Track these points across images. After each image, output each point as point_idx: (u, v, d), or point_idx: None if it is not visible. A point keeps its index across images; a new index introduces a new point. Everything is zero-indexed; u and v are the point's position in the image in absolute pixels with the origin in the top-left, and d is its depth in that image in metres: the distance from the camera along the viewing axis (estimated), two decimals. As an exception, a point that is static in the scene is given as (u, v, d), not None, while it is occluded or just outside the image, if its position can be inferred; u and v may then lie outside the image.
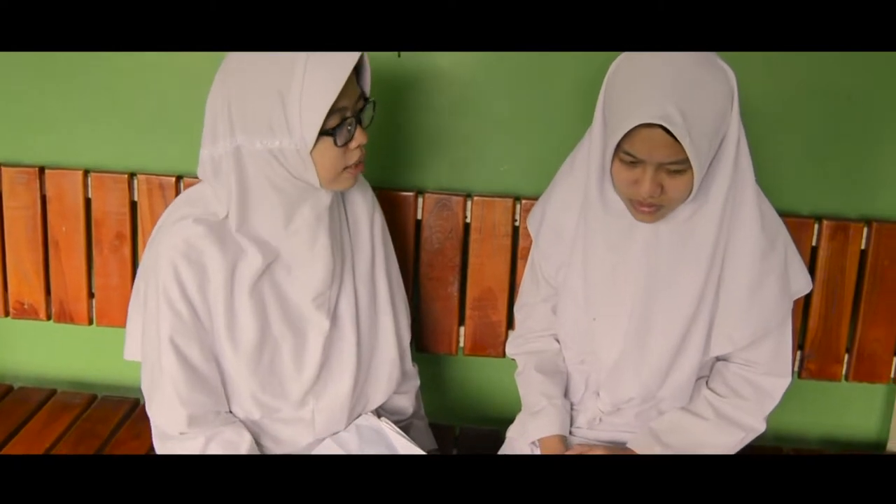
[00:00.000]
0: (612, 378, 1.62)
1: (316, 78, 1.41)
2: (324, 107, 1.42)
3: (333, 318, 1.61)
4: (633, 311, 1.56)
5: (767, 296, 1.54)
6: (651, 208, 1.46)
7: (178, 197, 1.61)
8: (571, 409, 1.71)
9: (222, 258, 1.50)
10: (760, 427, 1.63)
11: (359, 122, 1.50)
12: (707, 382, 1.66)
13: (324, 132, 1.44)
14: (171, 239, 1.50)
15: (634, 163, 1.42)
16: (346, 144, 1.48)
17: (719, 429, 1.62)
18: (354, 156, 1.51)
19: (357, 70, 1.50)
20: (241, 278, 1.52)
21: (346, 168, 1.51)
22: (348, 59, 1.43)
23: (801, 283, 1.61)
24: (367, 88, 1.54)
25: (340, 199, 1.65)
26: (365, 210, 1.68)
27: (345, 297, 1.63)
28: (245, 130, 1.45)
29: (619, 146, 1.41)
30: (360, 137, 1.50)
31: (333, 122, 1.45)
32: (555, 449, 1.65)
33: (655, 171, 1.41)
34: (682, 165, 1.39)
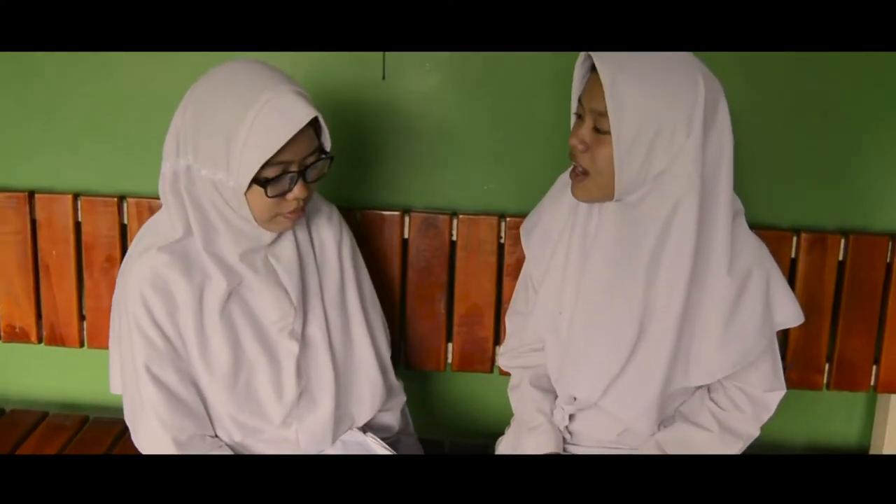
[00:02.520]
0: (561, 371, 1.66)
1: (261, 129, 1.43)
2: (260, 158, 1.43)
3: (304, 341, 1.64)
4: (578, 306, 1.60)
5: (743, 332, 1.56)
6: (580, 175, 1.53)
7: (141, 229, 1.64)
8: None
9: (188, 285, 1.53)
10: (756, 434, 1.68)
11: (303, 176, 1.51)
12: (709, 395, 1.69)
13: (257, 180, 1.46)
14: (138, 270, 1.53)
15: (581, 117, 1.52)
16: (280, 196, 1.50)
17: (722, 440, 1.65)
18: (290, 206, 1.52)
19: (318, 126, 1.52)
20: (209, 303, 1.55)
21: (280, 214, 1.53)
22: (296, 120, 1.44)
23: (788, 315, 1.61)
24: (328, 144, 1.55)
25: (306, 226, 1.67)
26: (331, 233, 1.70)
27: (314, 320, 1.65)
28: (196, 156, 1.49)
29: (579, 101, 1.53)
30: (298, 191, 1.50)
31: (272, 172, 1.47)
32: None
33: (589, 123, 1.49)
34: (607, 123, 1.45)
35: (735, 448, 1.66)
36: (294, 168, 1.49)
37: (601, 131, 1.47)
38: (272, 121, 1.43)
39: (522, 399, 1.76)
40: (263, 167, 1.44)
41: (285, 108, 1.44)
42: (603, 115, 1.45)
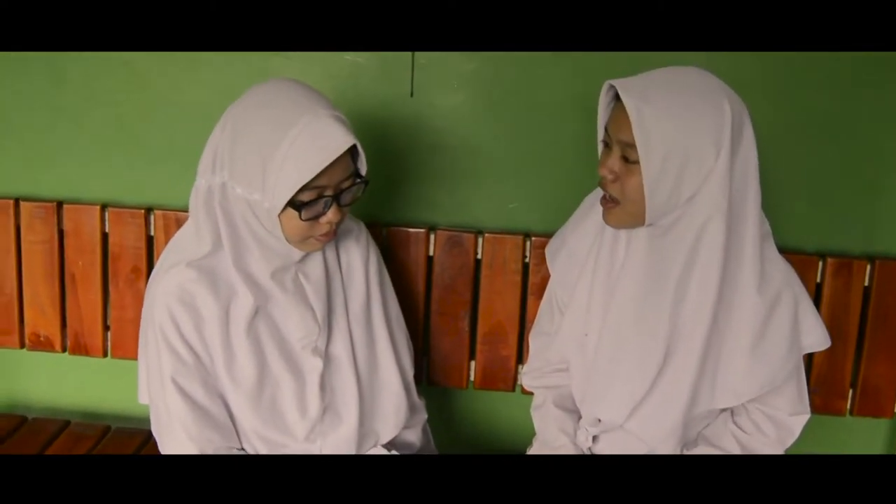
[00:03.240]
0: (586, 394, 1.66)
1: (299, 154, 1.43)
2: (297, 182, 1.44)
3: (329, 358, 1.64)
4: (605, 330, 1.61)
5: (771, 354, 1.56)
6: (610, 203, 1.53)
7: (168, 244, 1.65)
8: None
9: (215, 301, 1.54)
10: None
11: (337, 200, 1.51)
12: (733, 418, 1.68)
13: (292, 204, 1.47)
14: (165, 285, 1.54)
15: (609, 146, 1.52)
16: (313, 219, 1.50)
17: None
18: (323, 228, 1.53)
19: (354, 150, 1.52)
20: (236, 319, 1.56)
21: (312, 236, 1.54)
22: (334, 147, 1.44)
23: (815, 339, 1.62)
24: (363, 169, 1.56)
25: (334, 243, 1.67)
26: (359, 252, 1.71)
27: (339, 337, 1.66)
28: (232, 174, 1.50)
29: (605, 128, 1.53)
30: (331, 216, 1.51)
31: (307, 196, 1.47)
32: None
33: (617, 152, 1.49)
34: (635, 154, 1.45)
35: None
36: (329, 192, 1.49)
37: (630, 161, 1.48)
38: (310, 146, 1.44)
39: (545, 419, 1.76)
40: (299, 191, 1.45)
41: (324, 133, 1.44)
42: (630, 145, 1.45)
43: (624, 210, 1.52)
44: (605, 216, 1.57)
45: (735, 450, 1.65)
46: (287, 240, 1.53)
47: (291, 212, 1.48)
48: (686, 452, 1.67)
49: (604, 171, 1.52)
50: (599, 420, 1.65)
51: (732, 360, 1.56)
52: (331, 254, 1.66)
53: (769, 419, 1.65)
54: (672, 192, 1.47)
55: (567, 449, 1.69)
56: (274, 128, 1.44)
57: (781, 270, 1.59)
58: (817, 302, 1.97)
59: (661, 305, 1.54)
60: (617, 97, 1.49)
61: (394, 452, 1.72)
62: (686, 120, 1.44)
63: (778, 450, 1.66)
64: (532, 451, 1.79)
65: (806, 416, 1.66)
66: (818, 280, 1.98)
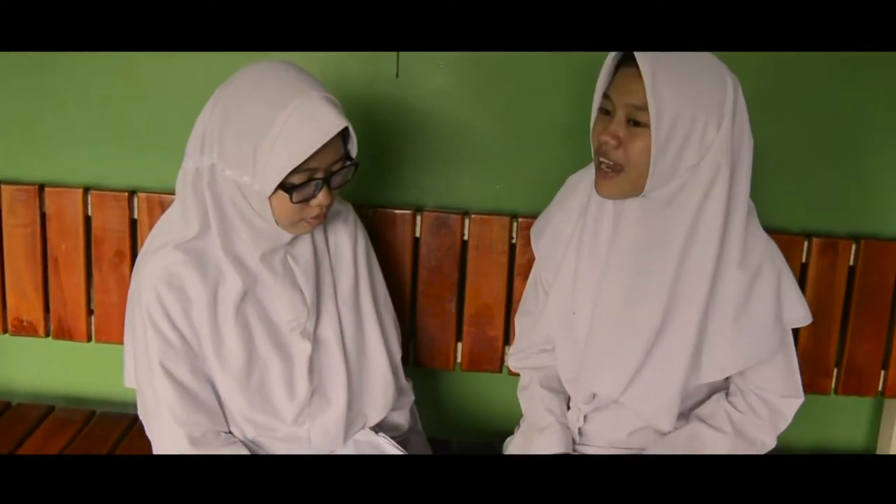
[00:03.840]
0: (578, 370, 1.66)
1: (290, 136, 1.42)
2: (288, 165, 1.43)
3: (317, 340, 1.64)
4: (599, 303, 1.61)
5: (755, 326, 1.57)
6: (610, 170, 1.52)
7: (154, 226, 1.64)
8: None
9: (202, 284, 1.53)
10: (772, 444, 1.67)
11: (328, 183, 1.51)
12: (727, 397, 1.69)
13: (283, 186, 1.46)
14: (152, 267, 1.53)
15: (609, 113, 1.52)
16: (304, 202, 1.50)
17: (735, 444, 1.65)
18: (313, 211, 1.52)
19: (345, 132, 1.51)
20: (224, 302, 1.55)
21: (302, 219, 1.53)
22: (326, 129, 1.44)
23: (798, 315, 1.62)
24: (354, 151, 1.55)
25: (322, 225, 1.66)
26: (346, 234, 1.70)
27: (327, 319, 1.65)
28: (221, 156, 1.49)
29: (605, 96, 1.52)
30: (322, 198, 1.50)
31: (298, 179, 1.46)
32: None
33: (623, 117, 1.49)
34: (644, 116, 1.46)
35: (748, 454, 1.66)
36: (320, 175, 1.48)
37: (639, 124, 1.47)
38: (301, 128, 1.43)
39: (532, 400, 1.76)
40: (290, 173, 1.44)
41: (315, 115, 1.43)
42: (640, 108, 1.46)
43: (625, 177, 1.51)
44: (600, 186, 1.55)
45: (726, 428, 1.65)
46: (277, 222, 1.52)
47: (282, 194, 1.47)
48: (678, 428, 1.67)
49: (605, 136, 1.50)
50: (594, 396, 1.65)
51: (717, 335, 1.57)
52: (319, 236, 1.65)
53: (764, 402, 1.65)
54: (675, 158, 1.48)
55: (553, 429, 1.69)
56: (264, 110, 1.43)
57: (763, 245, 1.59)
58: (802, 281, 1.98)
59: (660, 277, 1.54)
60: (621, 63, 1.50)
61: (381, 434, 1.72)
62: (695, 87, 1.46)
63: (770, 433, 1.66)
64: (518, 432, 1.80)
65: (799, 401, 1.66)
66: (804, 260, 1.99)
